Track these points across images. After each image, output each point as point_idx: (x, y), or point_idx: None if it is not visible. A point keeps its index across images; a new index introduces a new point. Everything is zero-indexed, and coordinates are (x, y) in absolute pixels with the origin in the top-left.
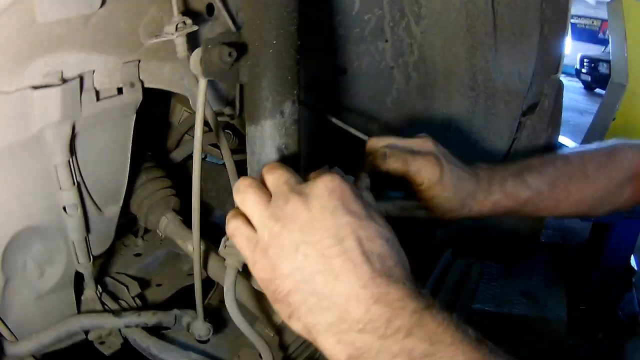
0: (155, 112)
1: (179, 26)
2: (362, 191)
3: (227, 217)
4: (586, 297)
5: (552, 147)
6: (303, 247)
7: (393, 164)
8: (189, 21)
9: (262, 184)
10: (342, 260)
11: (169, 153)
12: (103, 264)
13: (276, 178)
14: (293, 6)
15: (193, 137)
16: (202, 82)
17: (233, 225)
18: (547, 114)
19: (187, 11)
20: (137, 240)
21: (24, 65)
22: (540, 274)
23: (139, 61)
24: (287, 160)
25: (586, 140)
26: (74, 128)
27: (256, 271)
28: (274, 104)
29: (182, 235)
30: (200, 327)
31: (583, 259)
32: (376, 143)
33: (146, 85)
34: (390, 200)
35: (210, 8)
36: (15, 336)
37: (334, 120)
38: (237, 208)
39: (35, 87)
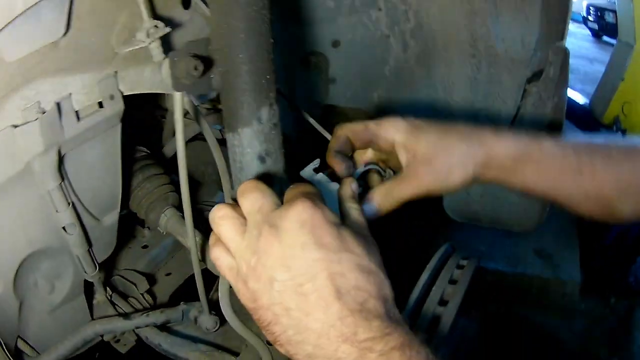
0: (149, 100)
1: (150, 32)
2: (346, 203)
3: (209, 243)
4: (599, 261)
5: (558, 119)
6: (277, 283)
7: (350, 130)
8: (160, 24)
9: (237, 208)
10: (314, 297)
11: (166, 141)
12: (112, 260)
13: (250, 204)
14: (262, 3)
15: (190, 122)
16: (177, 96)
17: (214, 255)
18: (552, 82)
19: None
20: (144, 231)
21: (1, 104)
22: (554, 232)
23: (116, 72)
24: (269, 169)
25: (596, 99)
26: (59, 152)
27: (241, 298)
28: (249, 110)
29: (181, 232)
30: (207, 320)
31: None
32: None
33: (126, 94)
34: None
35: (185, 0)
36: (36, 350)
37: (310, 120)
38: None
39: (16, 126)
